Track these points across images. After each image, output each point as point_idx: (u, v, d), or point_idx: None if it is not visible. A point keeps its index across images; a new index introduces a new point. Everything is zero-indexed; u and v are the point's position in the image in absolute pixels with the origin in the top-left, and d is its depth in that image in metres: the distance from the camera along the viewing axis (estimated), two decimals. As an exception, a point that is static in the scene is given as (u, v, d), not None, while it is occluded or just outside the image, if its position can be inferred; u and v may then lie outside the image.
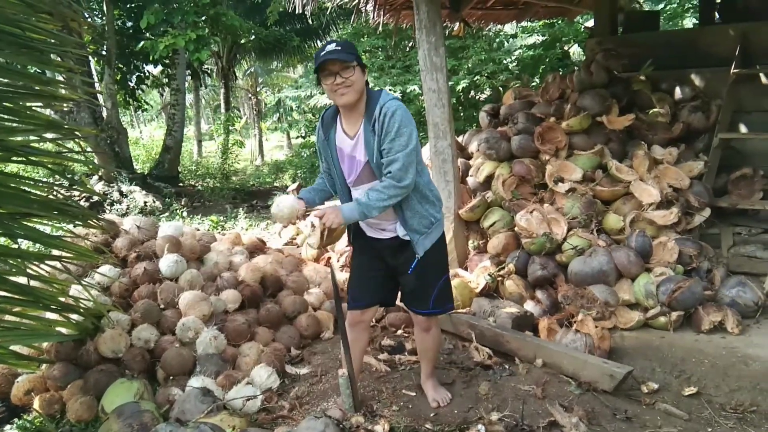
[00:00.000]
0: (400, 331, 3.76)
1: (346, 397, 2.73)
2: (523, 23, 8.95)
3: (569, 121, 4.36)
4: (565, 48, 9.74)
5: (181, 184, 13.10)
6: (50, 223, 3.17)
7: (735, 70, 4.50)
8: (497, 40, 9.09)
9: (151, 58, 10.63)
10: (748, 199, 4.30)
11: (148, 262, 3.53)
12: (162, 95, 23.54)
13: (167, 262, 3.54)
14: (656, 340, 3.45)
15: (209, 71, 15.80)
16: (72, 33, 2.88)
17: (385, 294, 2.76)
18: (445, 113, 4.03)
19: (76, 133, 3.09)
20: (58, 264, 2.99)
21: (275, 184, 15.85)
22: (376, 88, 2.68)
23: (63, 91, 2.91)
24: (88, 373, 2.90)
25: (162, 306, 3.36)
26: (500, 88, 8.64)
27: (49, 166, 3.01)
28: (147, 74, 13.30)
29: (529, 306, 3.71)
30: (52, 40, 2.77)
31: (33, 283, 2.87)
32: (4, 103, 2.72)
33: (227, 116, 16.22)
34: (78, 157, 3.15)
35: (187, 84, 14.06)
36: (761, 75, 4.50)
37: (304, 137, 14.88)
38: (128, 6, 11.59)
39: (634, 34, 5.59)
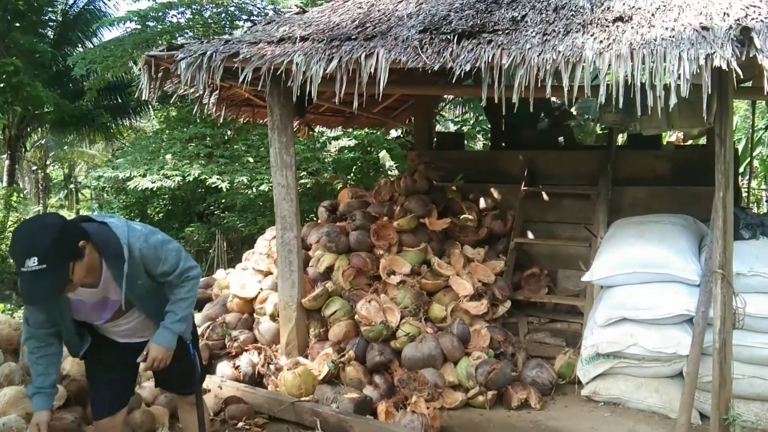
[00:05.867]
0: (241, 423, 3.72)
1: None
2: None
3: (399, 221, 4.92)
4: (374, 153, 10.83)
5: (-58, 266, 11.15)
6: None
7: (524, 188, 5.55)
8: (321, 140, 9.77)
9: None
10: (537, 293, 5.18)
11: (-44, 353, 3.07)
12: None
13: (-20, 354, 3.12)
14: (476, 418, 3.91)
15: (-5, 140, 14.14)
16: None
17: (130, 392, 2.77)
18: (292, 207, 4.29)
19: None
20: None
21: (63, 268, 14.24)
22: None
23: None
24: None
25: (-28, 405, 2.92)
26: (324, 185, 9.26)
27: None
28: None
29: (368, 390, 3.95)
30: None
31: None
32: None
33: (10, 191, 14.44)
34: None
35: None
36: (543, 193, 5.62)
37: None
38: None
39: (446, 151, 6.56)
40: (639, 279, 3.94)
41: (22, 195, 17.13)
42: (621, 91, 3.15)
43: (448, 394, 4.05)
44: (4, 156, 15.97)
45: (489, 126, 8.56)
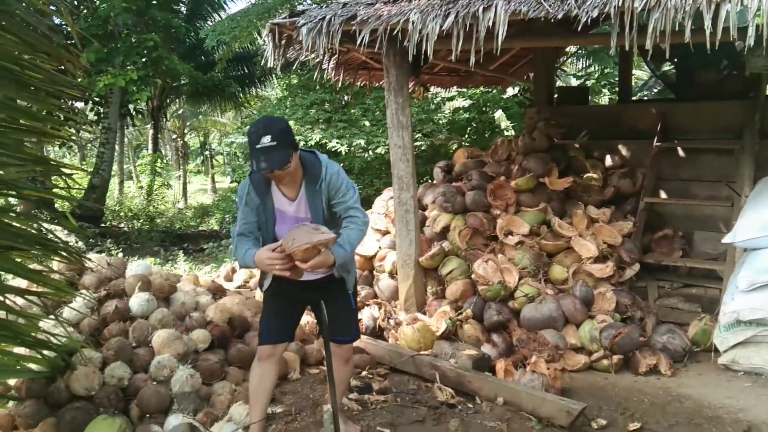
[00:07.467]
0: (364, 372, 3.90)
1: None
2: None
3: (517, 181, 4.79)
4: (489, 113, 10.55)
5: (103, 225, 12.64)
6: (27, 256, 3.11)
7: (657, 143, 5.16)
8: (435, 101, 9.69)
9: (87, 95, 10.43)
10: (669, 256, 4.86)
11: (119, 300, 3.50)
12: (77, 132, 22.61)
13: (139, 301, 3.53)
14: (600, 381, 3.80)
15: (142, 111, 15.58)
16: (67, 73, 2.94)
17: (293, 332, 3.01)
18: (409, 167, 4.34)
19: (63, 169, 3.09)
20: (34, 298, 2.95)
21: (201, 228, 15.55)
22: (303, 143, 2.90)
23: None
24: (63, 411, 2.83)
25: (134, 344, 3.34)
26: (438, 146, 9.23)
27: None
28: (76, 110, 12.91)
29: (486, 348, 3.97)
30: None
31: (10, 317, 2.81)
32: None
33: (155, 157, 15.90)
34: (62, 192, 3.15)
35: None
36: (678, 149, 5.18)
37: (238, 182, 14.83)
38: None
39: (569, 106, 6.23)
40: (790, 241, 3.57)
41: (164, 161, 18.84)
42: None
43: (570, 356, 3.97)
44: (149, 125, 17.59)
45: (617, 79, 7.99)
